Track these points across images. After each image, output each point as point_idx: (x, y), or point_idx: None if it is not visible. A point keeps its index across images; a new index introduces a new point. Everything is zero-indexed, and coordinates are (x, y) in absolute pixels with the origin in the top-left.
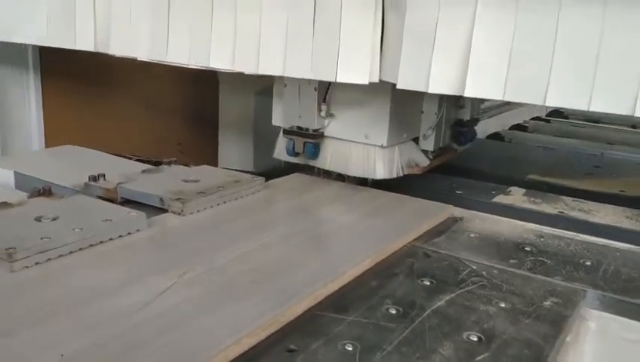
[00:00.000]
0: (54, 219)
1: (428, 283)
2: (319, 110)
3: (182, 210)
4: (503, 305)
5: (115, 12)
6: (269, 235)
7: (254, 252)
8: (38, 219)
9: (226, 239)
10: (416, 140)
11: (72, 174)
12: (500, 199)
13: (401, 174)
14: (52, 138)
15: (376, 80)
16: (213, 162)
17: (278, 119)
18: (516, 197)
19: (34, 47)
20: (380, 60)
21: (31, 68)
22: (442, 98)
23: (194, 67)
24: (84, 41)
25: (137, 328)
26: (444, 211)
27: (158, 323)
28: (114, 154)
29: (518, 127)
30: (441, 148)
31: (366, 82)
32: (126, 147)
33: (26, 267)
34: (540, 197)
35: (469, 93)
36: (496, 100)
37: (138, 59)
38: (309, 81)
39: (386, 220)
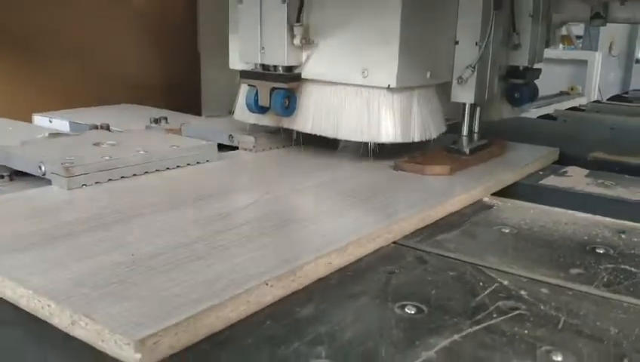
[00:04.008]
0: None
1: (412, 312)
2: (292, 36)
3: (254, 146)
4: (559, 360)
5: None
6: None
7: None
8: (97, 144)
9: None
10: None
11: (128, 120)
12: (552, 181)
13: (424, 138)
14: None
15: None
16: None
17: (236, 59)
18: (576, 178)
19: None
20: None
21: None
22: (488, 18)
23: None
24: None
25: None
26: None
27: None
28: None
29: (574, 109)
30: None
31: None
32: None
33: (85, 185)
34: (612, 179)
35: None
36: None
37: None
38: None
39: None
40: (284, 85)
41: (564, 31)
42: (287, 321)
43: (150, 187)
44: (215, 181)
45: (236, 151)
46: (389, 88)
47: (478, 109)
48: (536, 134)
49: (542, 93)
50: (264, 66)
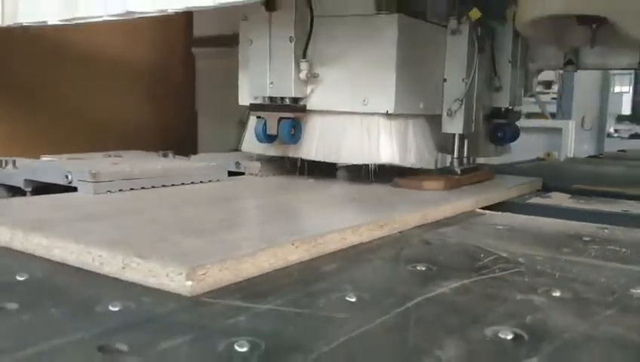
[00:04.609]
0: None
1: (423, 269)
2: (298, 70)
3: (259, 171)
4: (557, 295)
5: None
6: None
7: None
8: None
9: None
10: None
11: (136, 159)
12: (537, 201)
13: (419, 162)
14: None
15: None
16: None
17: (245, 95)
18: (560, 199)
19: None
20: None
21: None
22: (473, 58)
23: (108, 19)
24: None
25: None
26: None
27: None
28: None
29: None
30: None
31: None
32: None
33: (109, 191)
34: (593, 200)
35: None
36: None
37: (49, 23)
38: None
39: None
40: (290, 115)
41: (538, 108)
42: (314, 273)
43: (171, 194)
44: (229, 191)
45: (243, 175)
46: (387, 114)
47: (467, 143)
48: (519, 172)
49: (519, 159)
50: (272, 99)
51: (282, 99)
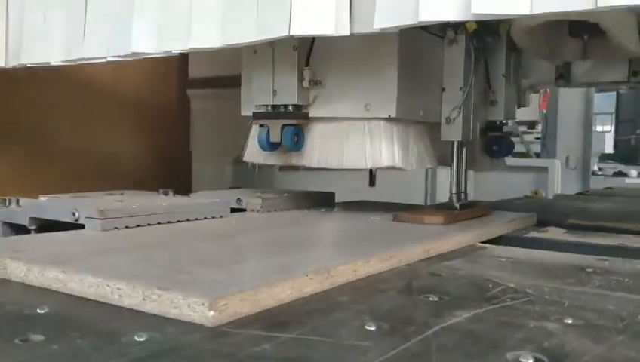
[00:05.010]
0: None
1: (436, 299)
2: (301, 78)
3: (261, 207)
4: (570, 321)
5: (27, 22)
6: None
7: None
8: (120, 201)
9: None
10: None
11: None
12: (535, 235)
13: (420, 167)
14: None
15: (346, 32)
16: None
17: (248, 106)
18: (556, 233)
19: None
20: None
21: None
22: (469, 68)
23: (112, 60)
24: None
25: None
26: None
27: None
28: None
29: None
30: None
31: (331, 32)
32: None
33: (116, 228)
34: (588, 234)
35: (485, 9)
36: None
37: (52, 63)
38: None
39: None
40: (294, 122)
41: (523, 148)
42: (329, 303)
43: (178, 230)
44: (234, 226)
45: (245, 212)
46: (389, 118)
47: (464, 153)
48: (512, 208)
49: (507, 197)
50: (274, 107)
51: (285, 106)
